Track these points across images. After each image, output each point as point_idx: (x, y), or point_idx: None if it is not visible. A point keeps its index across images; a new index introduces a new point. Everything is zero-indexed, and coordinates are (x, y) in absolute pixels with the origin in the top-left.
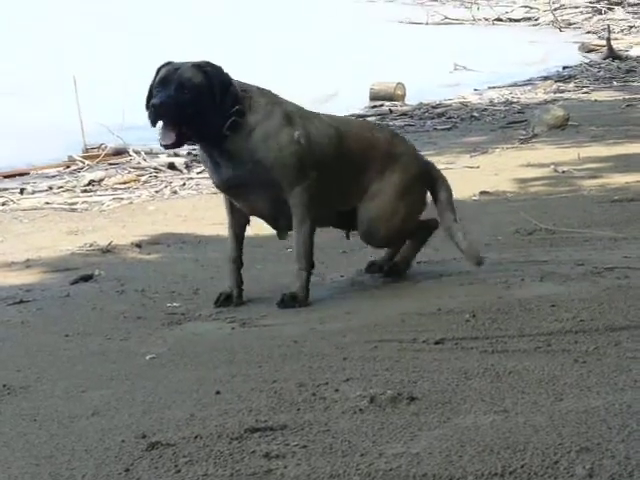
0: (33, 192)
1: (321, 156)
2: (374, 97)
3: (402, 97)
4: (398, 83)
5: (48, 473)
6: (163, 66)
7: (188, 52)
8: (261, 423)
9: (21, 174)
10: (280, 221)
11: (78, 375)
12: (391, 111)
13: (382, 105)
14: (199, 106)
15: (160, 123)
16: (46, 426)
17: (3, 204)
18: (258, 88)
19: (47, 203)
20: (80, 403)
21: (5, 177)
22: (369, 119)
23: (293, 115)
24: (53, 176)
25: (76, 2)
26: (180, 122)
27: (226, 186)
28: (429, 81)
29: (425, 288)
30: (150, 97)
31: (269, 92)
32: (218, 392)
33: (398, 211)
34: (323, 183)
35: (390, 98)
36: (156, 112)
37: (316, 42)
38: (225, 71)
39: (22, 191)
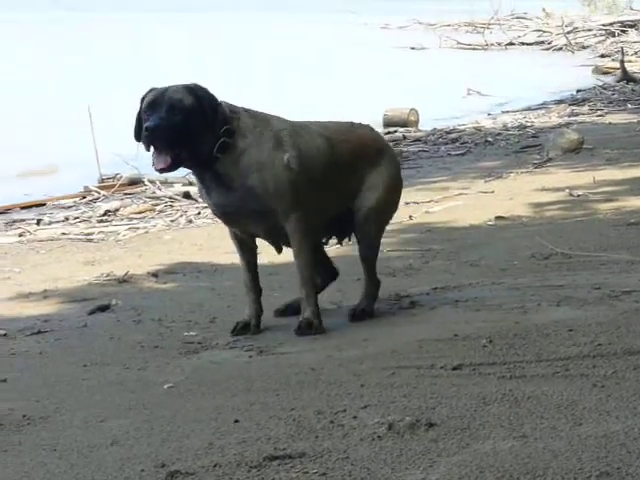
0: (50, 223)
1: (313, 171)
2: (388, 123)
3: (415, 123)
4: (411, 109)
5: None
6: (149, 92)
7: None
8: (280, 451)
9: (37, 205)
10: (281, 243)
11: (97, 405)
12: (405, 137)
13: (396, 131)
14: (191, 127)
15: (152, 147)
16: (66, 456)
17: (20, 235)
18: (245, 109)
19: (64, 234)
20: (99, 433)
21: (22, 208)
22: None
23: (282, 135)
24: (69, 207)
25: (86, 32)
26: (174, 145)
27: (220, 211)
28: (442, 106)
29: (441, 314)
30: (139, 125)
31: (256, 112)
32: (236, 420)
33: (388, 204)
34: (318, 193)
35: (404, 124)
36: (151, 135)
37: (329, 68)
38: (212, 92)
39: (39, 222)
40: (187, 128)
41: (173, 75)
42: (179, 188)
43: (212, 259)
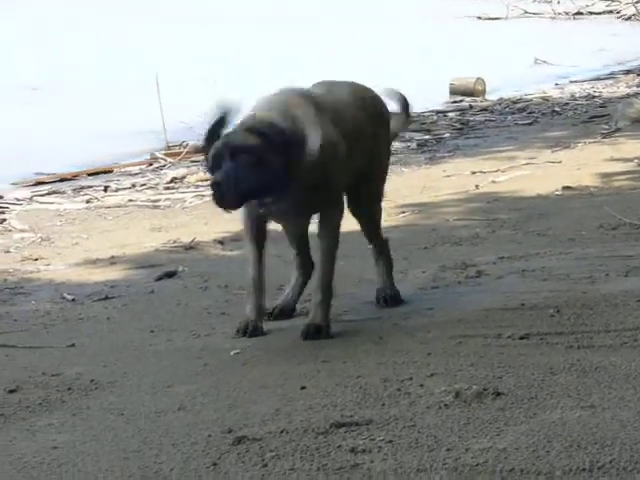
0: (117, 190)
1: (340, 157)
2: (454, 92)
3: (482, 92)
4: (478, 78)
5: (137, 467)
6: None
7: (270, 47)
8: (347, 418)
9: (105, 172)
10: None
11: (164, 370)
12: (471, 106)
13: (462, 100)
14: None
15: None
16: (133, 420)
17: (87, 202)
18: (282, 111)
19: (130, 200)
20: (166, 398)
21: (89, 175)
22: (449, 115)
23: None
24: (136, 174)
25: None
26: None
27: (268, 214)
28: (509, 76)
29: (508, 283)
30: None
31: (293, 113)
32: (303, 387)
33: (387, 166)
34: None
35: (470, 93)
36: (218, 192)
37: (395, 38)
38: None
39: (106, 189)
40: (270, 170)
41: (247, 45)
42: None
43: (278, 226)
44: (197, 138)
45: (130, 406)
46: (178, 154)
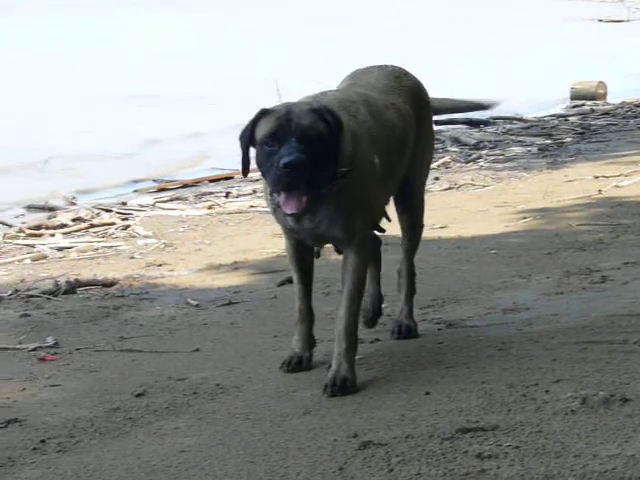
0: (238, 195)
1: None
2: (575, 96)
3: (604, 96)
4: (599, 82)
5: (264, 470)
6: (263, 115)
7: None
8: (472, 423)
9: (226, 178)
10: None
11: (288, 375)
12: (593, 110)
13: (583, 104)
14: (326, 160)
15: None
16: (259, 424)
17: (210, 207)
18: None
19: (252, 206)
20: (291, 402)
21: (211, 181)
22: (570, 119)
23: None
24: (257, 180)
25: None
26: (313, 183)
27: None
28: (632, 79)
29: (634, 289)
30: (248, 158)
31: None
32: (427, 392)
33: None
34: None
35: (591, 97)
36: (291, 173)
37: (513, 42)
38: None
39: (227, 195)
40: (324, 161)
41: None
42: None
43: (398, 232)
44: None
45: (256, 410)
46: None
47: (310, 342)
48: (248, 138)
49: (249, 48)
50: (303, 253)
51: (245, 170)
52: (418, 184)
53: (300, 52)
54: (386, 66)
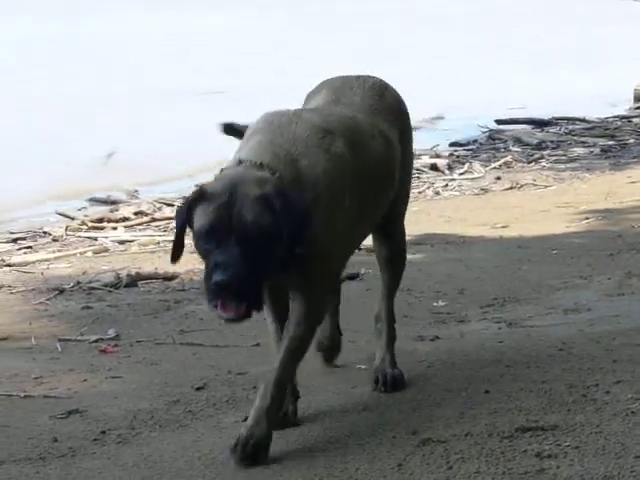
0: None
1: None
2: (639, 98)
3: None
4: None
5: (323, 465)
6: (198, 197)
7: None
8: (532, 423)
9: None
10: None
11: (348, 371)
12: None
13: None
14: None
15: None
16: (319, 419)
17: None
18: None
19: None
20: (350, 398)
21: None
22: (634, 120)
23: None
24: None
25: None
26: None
27: None
28: None
29: None
30: (181, 241)
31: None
32: (487, 391)
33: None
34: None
35: None
36: (224, 291)
37: (578, 41)
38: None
39: None
40: (271, 257)
41: None
42: (426, 160)
43: (460, 231)
44: None
45: (315, 405)
46: None
47: (295, 393)
48: (183, 221)
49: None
50: (277, 295)
51: (175, 255)
52: (401, 208)
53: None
54: (365, 78)
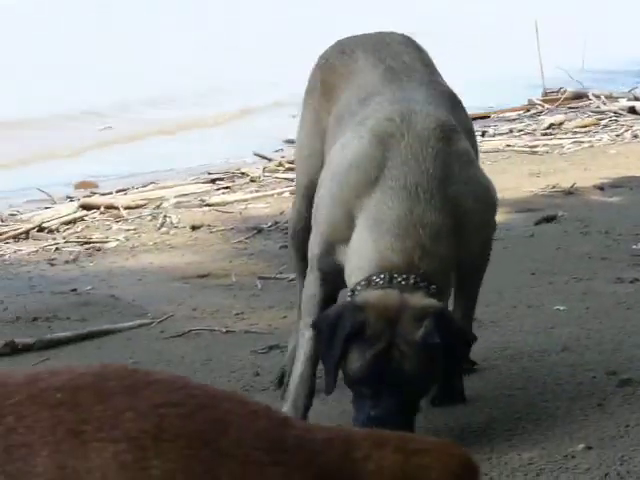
0: (494, 135)
1: None
2: None
3: None
4: None
5: (522, 404)
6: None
7: None
8: None
9: (482, 117)
10: None
11: (544, 312)
12: None
13: None
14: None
15: None
16: (517, 359)
17: None
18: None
19: (508, 145)
20: (549, 339)
21: None
22: None
23: None
24: (513, 119)
25: None
26: None
27: None
28: None
29: None
30: (334, 374)
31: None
32: None
33: None
34: None
35: None
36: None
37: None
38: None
39: (484, 134)
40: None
41: None
42: (624, 103)
43: None
44: (575, 84)
45: (513, 345)
46: (556, 100)
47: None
48: (337, 358)
49: None
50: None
51: (330, 388)
52: None
53: None
54: (392, 34)
